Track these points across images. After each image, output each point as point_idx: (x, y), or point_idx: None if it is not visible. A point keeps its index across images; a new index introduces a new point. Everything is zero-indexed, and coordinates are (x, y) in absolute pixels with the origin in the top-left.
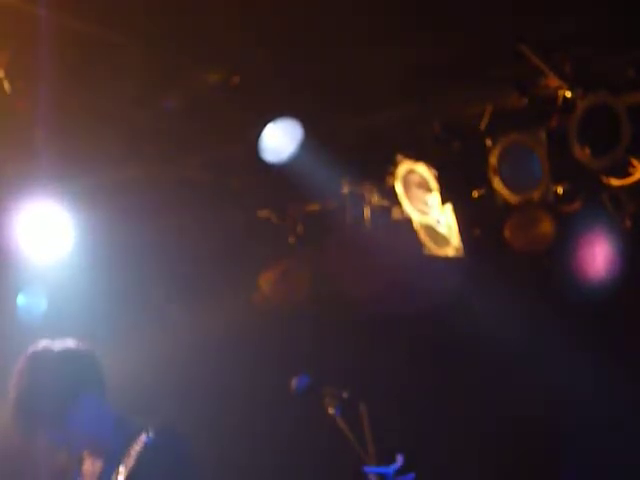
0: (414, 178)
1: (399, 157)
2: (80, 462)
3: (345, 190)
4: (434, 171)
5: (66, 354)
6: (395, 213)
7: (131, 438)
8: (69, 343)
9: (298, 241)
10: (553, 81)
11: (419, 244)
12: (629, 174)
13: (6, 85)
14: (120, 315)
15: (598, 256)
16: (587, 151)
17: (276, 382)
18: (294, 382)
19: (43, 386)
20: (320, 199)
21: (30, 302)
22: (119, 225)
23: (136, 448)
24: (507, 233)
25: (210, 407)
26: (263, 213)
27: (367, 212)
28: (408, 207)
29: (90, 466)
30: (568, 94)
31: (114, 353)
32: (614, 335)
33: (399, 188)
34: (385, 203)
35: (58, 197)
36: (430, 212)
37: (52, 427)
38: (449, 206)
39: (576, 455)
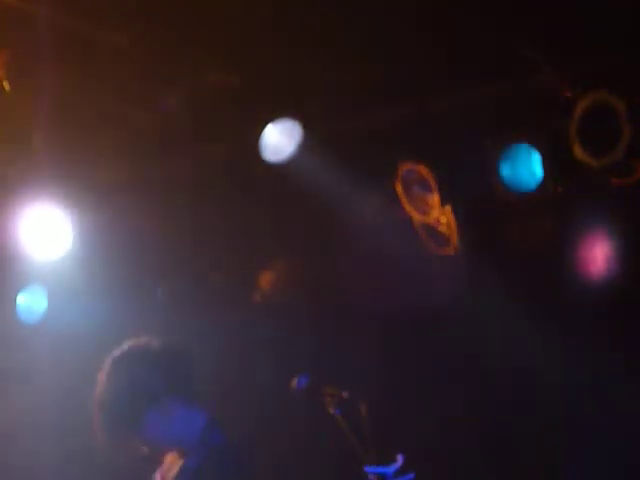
0: (414, 178)
1: (399, 157)
2: (160, 461)
3: (345, 190)
4: (434, 171)
5: (148, 356)
6: (395, 213)
7: (214, 452)
8: (155, 344)
9: (298, 241)
10: (553, 81)
11: (419, 244)
12: (629, 174)
13: (6, 85)
14: (119, 314)
15: (599, 256)
16: (587, 151)
17: (276, 382)
18: (294, 382)
19: (123, 389)
20: (320, 199)
21: (30, 301)
22: (119, 224)
23: None
24: (507, 233)
25: (209, 406)
26: (262, 213)
27: (367, 212)
28: (408, 207)
29: (168, 466)
30: (568, 94)
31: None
32: (614, 335)
33: (399, 188)
34: (385, 203)
35: (58, 196)
36: (430, 212)
37: (133, 429)
38: (449, 206)
39: (577, 454)
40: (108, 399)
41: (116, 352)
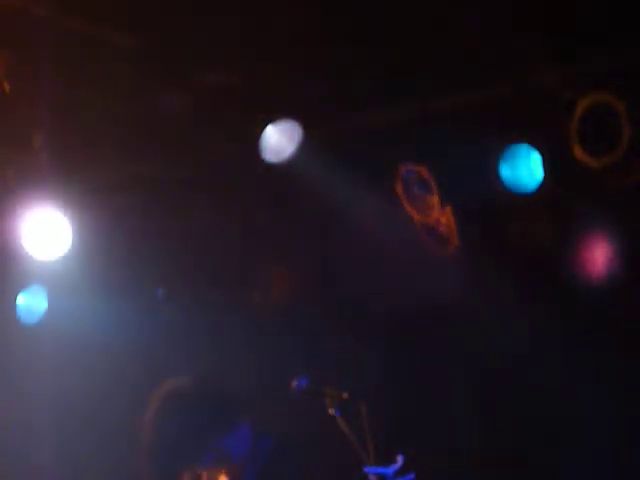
0: (414, 178)
1: (399, 157)
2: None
3: (345, 190)
4: (434, 171)
5: (186, 401)
6: (395, 213)
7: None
8: (187, 384)
9: (298, 241)
10: (553, 81)
11: (419, 244)
12: (629, 174)
13: (6, 85)
14: (119, 314)
15: (599, 256)
16: (587, 151)
17: (276, 382)
18: (294, 382)
19: (172, 439)
20: (320, 199)
21: (30, 302)
22: (119, 224)
23: None
24: (507, 233)
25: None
26: (263, 213)
27: (367, 212)
28: (408, 207)
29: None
30: (568, 94)
31: (113, 354)
32: (614, 335)
33: (399, 188)
34: (385, 203)
35: (58, 197)
36: (430, 212)
37: (185, 468)
38: (449, 206)
39: (577, 455)
40: (158, 448)
41: (155, 398)
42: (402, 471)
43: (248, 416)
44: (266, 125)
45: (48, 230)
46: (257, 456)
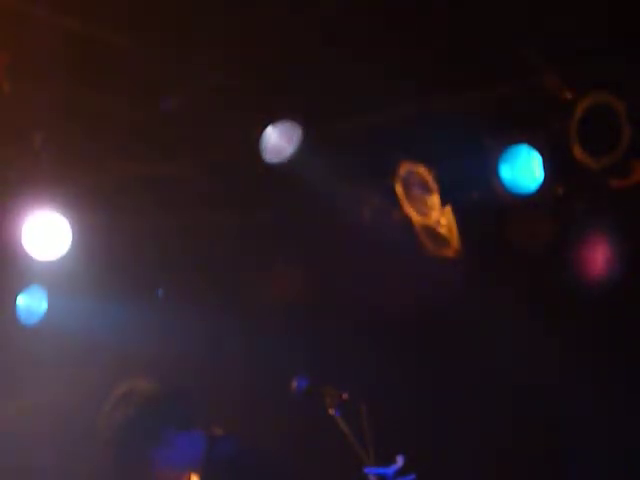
0: (414, 178)
1: (399, 157)
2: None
3: (345, 190)
4: (434, 171)
5: (145, 400)
6: (395, 214)
7: (225, 460)
8: (150, 386)
9: (298, 241)
10: (553, 81)
11: (419, 245)
12: (629, 174)
13: (6, 85)
14: (119, 315)
15: (599, 257)
16: (587, 151)
17: (276, 383)
18: (294, 383)
19: (125, 433)
20: (320, 199)
21: (30, 302)
22: (119, 225)
23: None
24: (507, 234)
25: (209, 407)
26: (262, 213)
27: (367, 212)
28: (408, 208)
29: None
30: (568, 94)
31: (112, 353)
32: (614, 335)
33: (399, 188)
34: (385, 204)
35: (58, 197)
36: (430, 213)
37: (141, 465)
38: (449, 207)
39: (577, 455)
40: (113, 440)
41: (115, 395)
42: (402, 471)
43: (203, 421)
44: (266, 125)
45: (48, 230)
46: (218, 460)
